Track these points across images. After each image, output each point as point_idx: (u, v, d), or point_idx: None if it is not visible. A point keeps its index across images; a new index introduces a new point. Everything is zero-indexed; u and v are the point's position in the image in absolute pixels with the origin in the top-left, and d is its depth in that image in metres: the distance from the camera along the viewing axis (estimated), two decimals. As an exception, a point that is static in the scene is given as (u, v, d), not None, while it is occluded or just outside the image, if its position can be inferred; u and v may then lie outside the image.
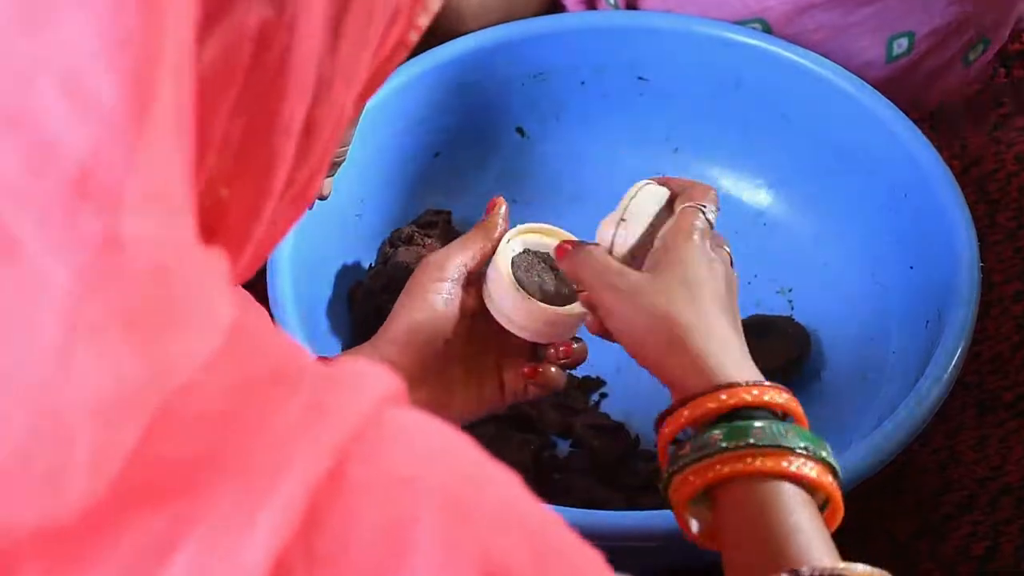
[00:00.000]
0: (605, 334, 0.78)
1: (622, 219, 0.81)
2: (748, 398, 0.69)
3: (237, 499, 0.38)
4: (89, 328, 0.37)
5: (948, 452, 1.01)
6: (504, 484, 0.44)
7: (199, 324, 0.40)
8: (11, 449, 0.36)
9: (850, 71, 1.05)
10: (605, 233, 0.81)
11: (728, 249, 0.81)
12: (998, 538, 0.96)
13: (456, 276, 0.84)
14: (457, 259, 0.85)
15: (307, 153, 0.48)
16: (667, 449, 0.71)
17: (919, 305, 0.97)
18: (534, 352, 0.87)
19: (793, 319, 1.02)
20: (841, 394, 0.99)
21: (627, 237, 0.80)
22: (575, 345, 0.86)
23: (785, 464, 0.66)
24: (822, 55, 1.05)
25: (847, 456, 0.85)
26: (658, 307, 0.73)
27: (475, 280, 0.85)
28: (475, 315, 0.85)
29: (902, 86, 1.09)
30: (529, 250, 0.85)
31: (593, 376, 1.02)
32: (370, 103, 0.98)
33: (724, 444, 0.67)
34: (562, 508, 0.81)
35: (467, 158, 1.09)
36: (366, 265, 1.04)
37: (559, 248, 0.82)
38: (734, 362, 0.71)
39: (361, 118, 0.97)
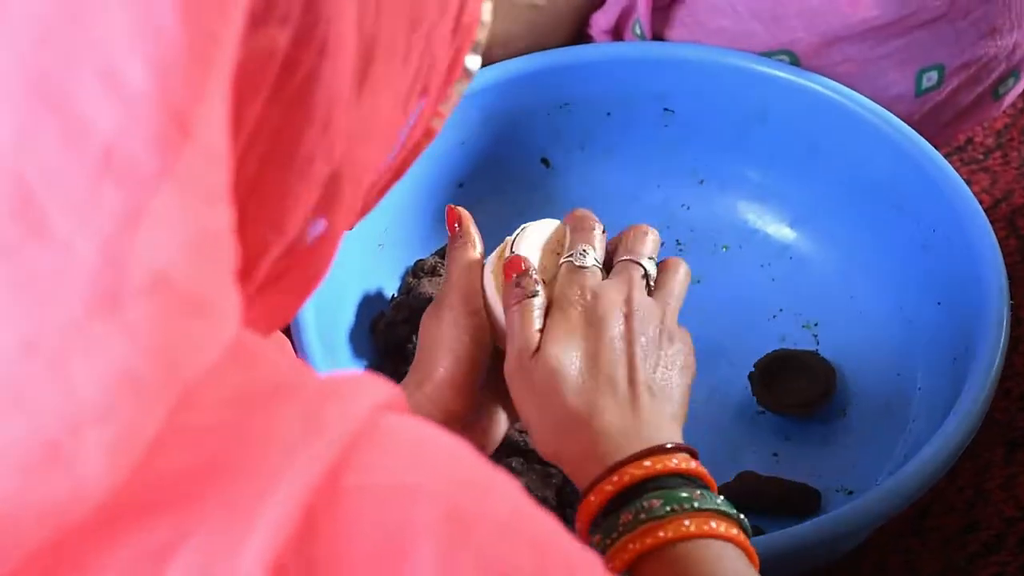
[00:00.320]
0: None
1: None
2: (672, 464, 0.71)
3: (233, 508, 0.38)
4: (109, 304, 0.37)
5: (975, 490, 1.00)
6: (505, 490, 0.44)
7: (213, 321, 0.40)
8: (28, 426, 0.36)
9: (879, 104, 1.04)
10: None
11: (672, 303, 0.83)
12: (1025, 579, 0.95)
13: (476, 307, 0.84)
14: (467, 291, 0.84)
15: (328, 212, 0.48)
16: (589, 523, 0.72)
17: (947, 341, 0.96)
18: None
19: (819, 354, 1.01)
20: (867, 430, 0.98)
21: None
22: None
23: (723, 528, 0.69)
24: (850, 88, 1.05)
25: (872, 493, 0.84)
26: (570, 403, 0.76)
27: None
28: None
29: (931, 120, 1.09)
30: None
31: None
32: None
33: (667, 509, 0.69)
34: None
35: (491, 188, 1.09)
36: (388, 295, 1.04)
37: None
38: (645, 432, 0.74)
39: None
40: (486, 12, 0.56)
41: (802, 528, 0.83)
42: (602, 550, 0.70)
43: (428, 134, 0.56)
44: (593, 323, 0.78)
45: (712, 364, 1.02)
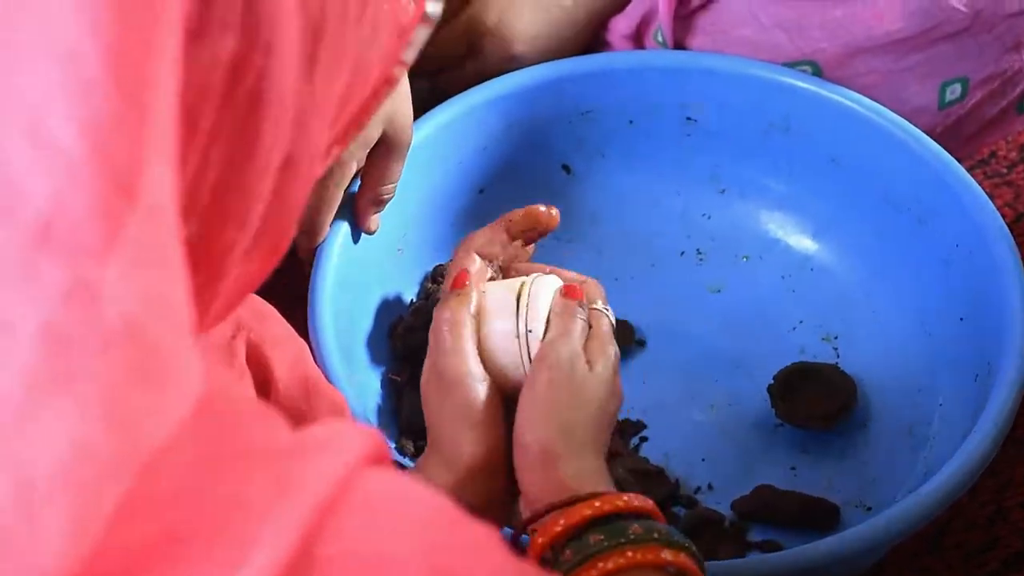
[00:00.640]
0: None
1: (528, 330, 0.82)
2: (620, 504, 0.72)
3: None
4: (52, 386, 0.35)
5: (996, 507, 0.99)
6: (486, 549, 0.42)
7: (171, 388, 0.38)
8: None
9: (902, 116, 1.03)
10: (508, 342, 0.81)
11: (615, 351, 0.83)
12: (1044, 597, 0.95)
13: (482, 372, 0.81)
14: (468, 355, 0.81)
15: (284, 191, 0.47)
16: (539, 556, 0.72)
17: (969, 358, 0.95)
18: None
19: (839, 367, 1.01)
20: (887, 446, 0.98)
21: (533, 344, 0.81)
22: None
23: (663, 555, 0.69)
24: (873, 99, 1.04)
25: (891, 510, 0.83)
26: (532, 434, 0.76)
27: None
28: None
29: (955, 132, 1.08)
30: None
31: (633, 419, 1.01)
32: (416, 138, 0.97)
33: (606, 544, 0.69)
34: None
35: (511, 195, 1.08)
36: (407, 300, 1.04)
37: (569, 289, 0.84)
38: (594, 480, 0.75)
39: (408, 153, 0.96)
40: None
41: (820, 544, 0.83)
42: (573, 567, 0.69)
43: (389, 80, 0.54)
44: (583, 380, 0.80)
45: (731, 376, 1.02)
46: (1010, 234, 0.96)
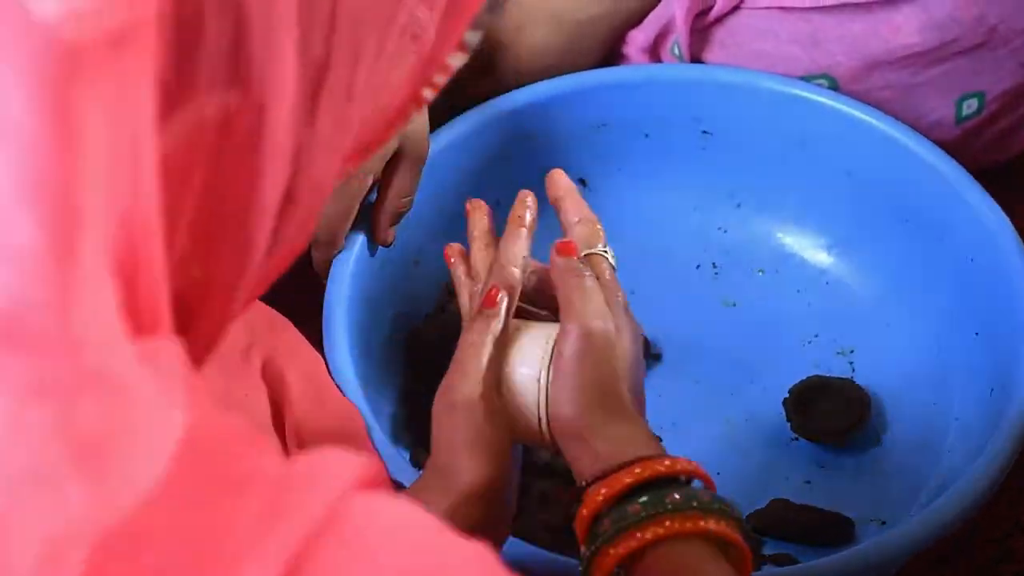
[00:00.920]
0: None
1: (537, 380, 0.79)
2: (661, 468, 0.70)
3: None
4: (30, 476, 0.35)
5: (1011, 521, 0.99)
6: (482, 571, 0.42)
7: (148, 446, 0.38)
8: None
9: (918, 131, 1.03)
10: (529, 384, 0.79)
11: (622, 296, 0.82)
12: (1059, 612, 0.94)
13: (498, 404, 0.79)
14: (489, 379, 0.79)
15: (288, 219, 0.47)
16: (584, 530, 0.71)
17: (984, 372, 0.95)
18: None
19: (854, 381, 1.01)
20: (901, 460, 0.97)
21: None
22: None
23: (702, 523, 0.68)
24: (890, 114, 1.04)
25: (906, 525, 0.83)
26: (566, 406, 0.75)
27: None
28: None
29: (971, 147, 1.08)
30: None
31: (648, 432, 1.01)
32: (432, 151, 0.98)
33: (643, 514, 0.68)
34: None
35: (527, 207, 1.09)
36: (423, 312, 1.04)
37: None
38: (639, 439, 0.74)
39: (423, 166, 0.97)
40: None
41: (834, 558, 0.83)
42: (610, 537, 0.69)
43: (416, 100, 0.54)
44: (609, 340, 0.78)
45: (746, 389, 1.02)
46: (1025, 248, 0.96)
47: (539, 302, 0.85)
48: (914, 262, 1.04)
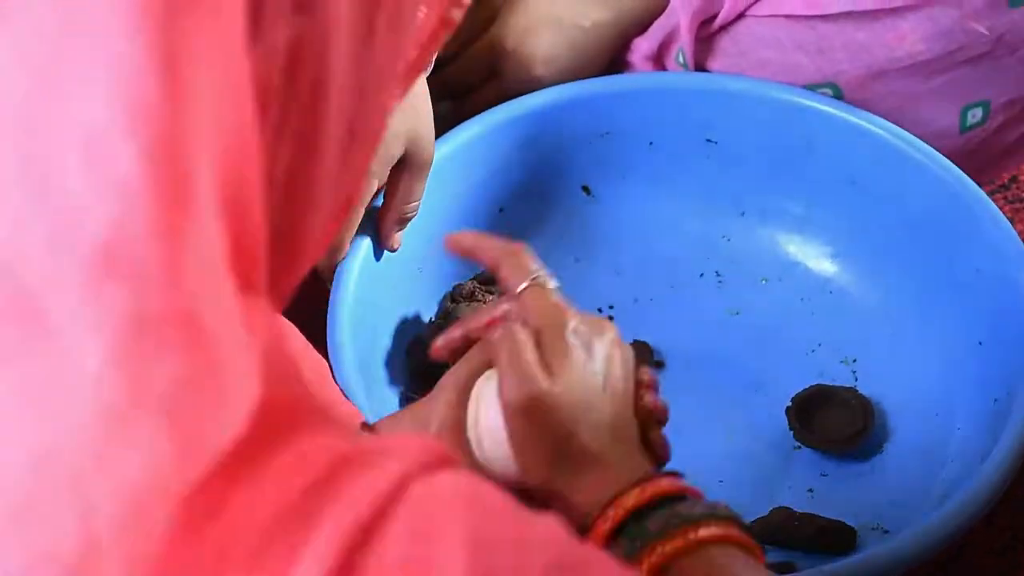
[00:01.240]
0: None
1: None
2: (665, 486, 0.69)
3: None
4: (121, 413, 0.35)
5: (1012, 532, 0.99)
6: (542, 542, 0.42)
7: (230, 402, 0.39)
8: (43, 551, 0.35)
9: (923, 140, 1.03)
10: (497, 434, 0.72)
11: (571, 317, 0.73)
12: (1061, 623, 0.94)
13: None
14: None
15: (349, 161, 0.47)
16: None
17: (988, 382, 0.95)
18: None
19: (857, 390, 1.01)
20: (904, 469, 0.97)
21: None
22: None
23: (719, 531, 0.67)
24: (894, 122, 1.04)
25: (908, 534, 0.83)
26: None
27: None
28: None
29: (976, 156, 1.08)
30: None
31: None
32: (437, 156, 0.98)
33: (659, 527, 0.67)
34: None
35: (531, 214, 1.09)
36: (426, 318, 1.04)
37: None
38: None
39: (428, 173, 0.97)
40: None
41: (836, 567, 0.83)
42: (629, 554, 0.68)
43: (446, 23, 0.53)
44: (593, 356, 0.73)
45: (749, 397, 1.02)
46: (1030, 258, 0.96)
47: None
48: (918, 271, 1.04)
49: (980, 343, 0.98)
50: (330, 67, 0.43)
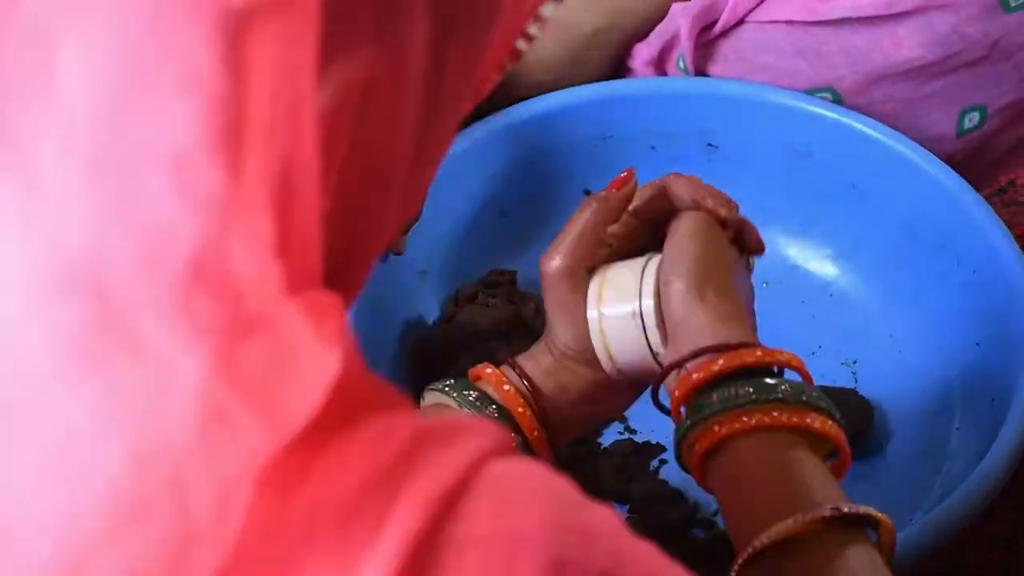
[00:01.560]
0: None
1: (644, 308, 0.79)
2: (781, 358, 0.73)
3: (333, 560, 0.38)
4: (220, 417, 0.37)
5: (1012, 529, 0.99)
6: (608, 532, 0.43)
7: (304, 382, 0.40)
8: (143, 551, 0.36)
9: (920, 144, 1.04)
10: (626, 326, 0.79)
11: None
12: (1060, 621, 0.95)
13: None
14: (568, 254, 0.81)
15: (414, 177, 0.48)
16: (687, 396, 0.73)
17: (985, 382, 0.96)
18: None
19: (857, 392, 1.01)
20: (904, 469, 0.98)
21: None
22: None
23: (808, 420, 0.70)
24: (892, 127, 1.05)
25: (907, 533, 0.84)
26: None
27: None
28: None
29: (973, 160, 1.09)
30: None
31: (653, 442, 1.01)
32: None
33: (755, 397, 0.70)
34: None
35: (534, 219, 1.09)
36: (430, 321, 1.05)
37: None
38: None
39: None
40: None
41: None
42: (715, 413, 0.70)
43: (514, 55, 0.55)
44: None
45: (750, 399, 1.03)
46: (1027, 260, 0.97)
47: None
48: (917, 274, 1.05)
49: (978, 344, 0.99)
50: (403, 97, 0.44)
